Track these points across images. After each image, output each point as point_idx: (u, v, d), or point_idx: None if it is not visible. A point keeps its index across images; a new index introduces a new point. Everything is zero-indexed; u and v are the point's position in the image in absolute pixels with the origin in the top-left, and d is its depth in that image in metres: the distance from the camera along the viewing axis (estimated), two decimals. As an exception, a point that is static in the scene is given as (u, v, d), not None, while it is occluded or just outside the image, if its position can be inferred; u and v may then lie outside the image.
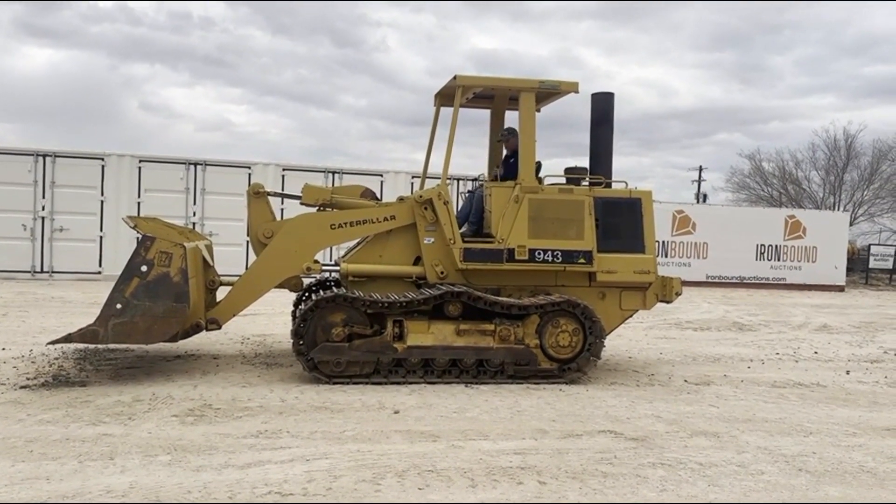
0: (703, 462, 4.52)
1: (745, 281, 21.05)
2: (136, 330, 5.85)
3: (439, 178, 6.76)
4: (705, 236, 20.91)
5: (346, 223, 6.82)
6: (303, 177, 14.71)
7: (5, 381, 5.87)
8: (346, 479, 3.98)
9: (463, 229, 7.13)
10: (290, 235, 6.80)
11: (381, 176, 16.91)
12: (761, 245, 21.35)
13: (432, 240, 6.80)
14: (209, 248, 7.37)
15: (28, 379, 5.98)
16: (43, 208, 15.15)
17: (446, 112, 7.36)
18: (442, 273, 6.78)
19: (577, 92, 7.12)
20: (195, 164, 15.92)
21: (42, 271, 15.16)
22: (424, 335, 6.43)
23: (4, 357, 6.90)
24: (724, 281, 20.87)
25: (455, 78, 6.83)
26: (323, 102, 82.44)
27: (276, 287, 6.95)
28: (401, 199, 7.33)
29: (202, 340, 8.01)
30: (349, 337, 6.32)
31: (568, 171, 7.23)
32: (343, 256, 7.28)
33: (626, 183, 7.22)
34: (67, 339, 5.84)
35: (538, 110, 7.74)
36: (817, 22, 63.46)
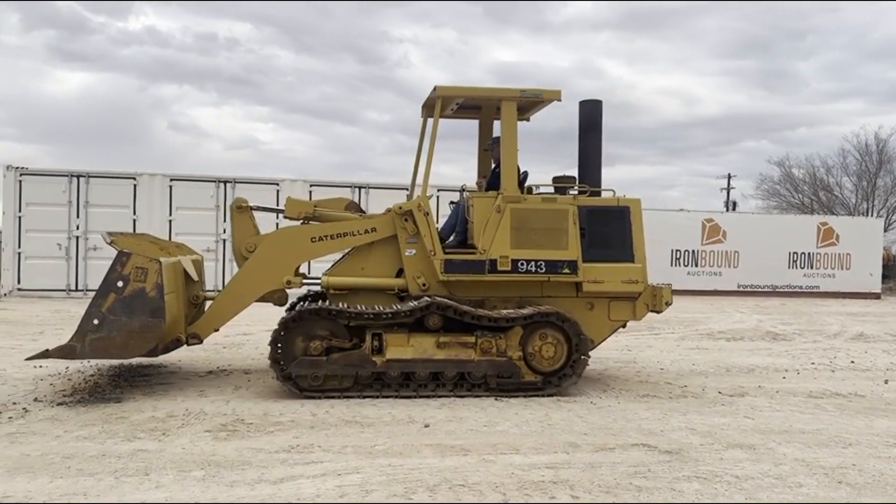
0: (739, 475, 4.44)
1: (777, 290, 20.72)
2: (113, 345, 5.89)
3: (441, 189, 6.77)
4: (736, 245, 20.66)
5: (326, 236, 6.80)
6: (330, 192, 14.87)
7: (42, 398, 5.98)
8: (377, 493, 3.97)
9: (451, 240, 7.11)
10: (271, 249, 6.80)
11: (408, 190, 16.97)
12: (794, 253, 21.03)
13: (414, 251, 6.75)
14: (197, 263, 7.41)
15: (64, 396, 6.09)
16: (77, 227, 15.47)
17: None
18: (424, 285, 6.72)
19: (559, 100, 7.07)
20: (225, 182, 16.15)
21: (77, 289, 15.46)
22: (404, 348, 6.36)
23: (41, 374, 7.03)
24: (756, 290, 20.58)
25: (435, 89, 6.81)
26: (347, 119, 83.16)
27: (261, 301, 6.94)
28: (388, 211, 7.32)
29: (233, 356, 8.09)
30: (327, 350, 6.29)
31: (556, 179, 7.16)
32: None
33: (613, 191, 7.15)
34: (45, 354, 5.87)
35: (527, 119, 7.74)
36: (841, 26, 62.58)
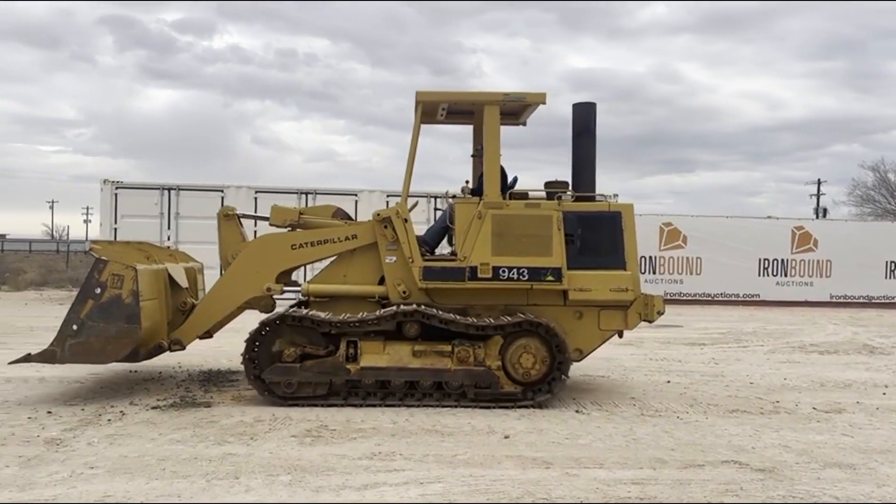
0: (838, 496, 4.21)
1: (873, 300, 19.64)
2: (92, 350, 6.03)
3: (433, 195, 6.65)
4: (828, 253, 19.71)
5: (306, 243, 6.76)
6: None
7: (138, 402, 6.25)
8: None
9: (452, 248, 6.95)
10: (252, 256, 6.81)
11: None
12: (891, 262, 19.89)
13: (394, 258, 6.64)
14: (191, 271, 7.53)
15: (158, 400, 6.35)
16: (168, 238, 16.17)
17: (427, 128, 7.44)
18: (404, 292, 6.60)
19: (544, 103, 6.88)
20: (306, 193, 16.58)
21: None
22: (379, 356, 6.27)
23: (136, 379, 7.36)
24: (850, 301, 19.55)
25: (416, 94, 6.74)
26: (421, 129, 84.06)
27: (248, 309, 7.01)
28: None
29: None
30: (302, 357, 6.25)
31: (548, 184, 6.96)
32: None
33: (605, 196, 6.91)
34: (27, 358, 6.08)
35: (524, 123, 7.55)
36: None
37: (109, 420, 5.62)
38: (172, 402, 6.22)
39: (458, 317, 6.34)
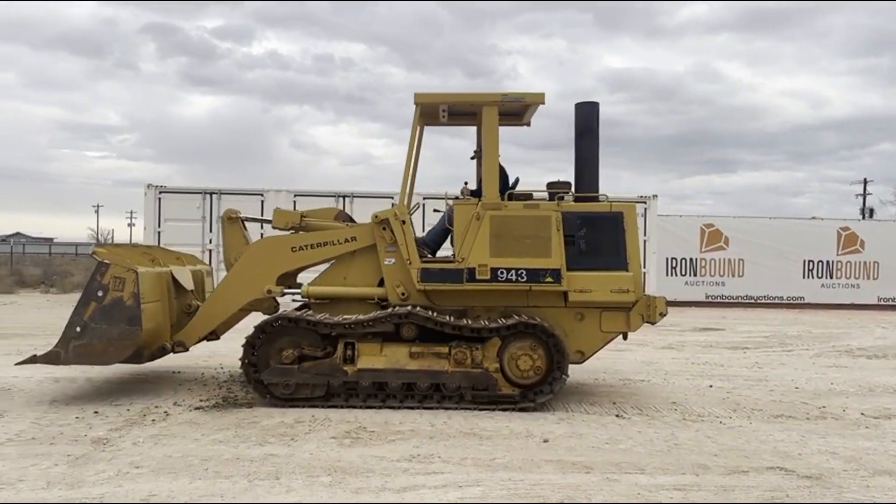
0: (890, 506, 4.09)
1: (925, 304, 19.04)
2: (94, 352, 6.12)
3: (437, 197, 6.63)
4: (876, 255, 19.20)
5: (306, 245, 6.77)
6: (441, 204, 15.02)
7: (181, 403, 6.36)
8: (499, 507, 3.94)
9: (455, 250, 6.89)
10: (253, 258, 6.85)
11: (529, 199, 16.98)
12: (943, 263, 19.28)
13: (393, 260, 6.62)
14: (197, 274, 7.59)
15: (201, 401, 6.46)
16: (210, 241, 16.45)
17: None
18: (403, 294, 6.58)
19: (543, 103, 6.79)
20: (344, 196, 16.70)
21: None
22: (376, 358, 6.26)
23: (180, 379, 7.50)
24: (899, 304, 19.00)
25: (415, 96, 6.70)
26: (456, 132, 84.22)
27: (251, 311, 7.05)
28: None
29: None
30: (300, 359, 6.26)
31: (550, 185, 6.86)
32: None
33: (606, 196, 6.79)
34: (33, 359, 6.20)
35: (528, 124, 7.47)
36: None
37: (154, 420, 5.74)
38: (215, 403, 6.32)
39: (449, 318, 6.32)
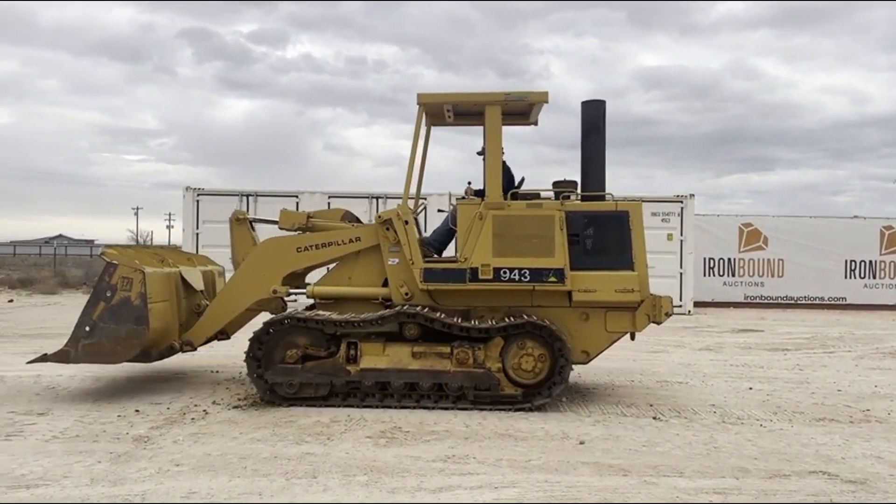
0: (939, 512, 3.97)
1: (973, 304, 18.48)
2: (103, 351, 6.21)
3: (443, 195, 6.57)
4: (922, 254, 18.66)
5: (311, 246, 6.81)
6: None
7: (220, 402, 6.46)
8: (535, 509, 3.92)
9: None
10: (259, 259, 6.89)
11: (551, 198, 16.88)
12: None
13: (397, 260, 6.62)
14: (209, 274, 7.66)
15: (239, 400, 6.54)
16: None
17: (436, 130, 7.54)
18: (407, 294, 6.57)
19: (546, 101, 6.72)
20: (377, 198, 16.80)
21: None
22: (379, 357, 6.25)
23: (218, 379, 7.61)
24: (947, 305, 18.46)
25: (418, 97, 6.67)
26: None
27: (259, 311, 7.10)
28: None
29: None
30: (304, 358, 6.27)
31: (556, 184, 6.78)
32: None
33: (612, 195, 6.69)
34: (44, 358, 6.30)
35: (535, 123, 7.40)
36: None
37: (193, 419, 5.83)
38: (252, 402, 6.40)
39: (457, 319, 6.32)
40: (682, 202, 16.55)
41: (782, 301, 18.60)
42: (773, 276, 18.76)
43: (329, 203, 16.67)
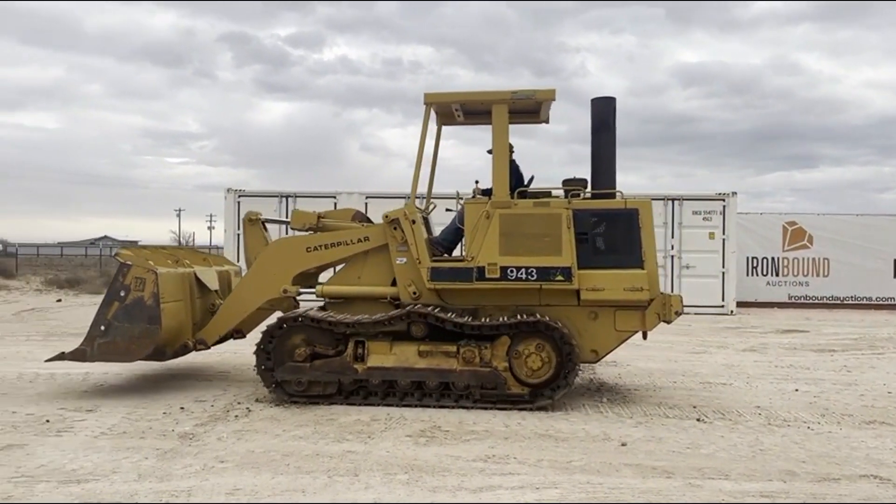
0: None
1: None
2: (118, 349, 6.34)
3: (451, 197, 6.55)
4: (975, 253, 18.04)
5: (321, 246, 6.84)
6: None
7: (263, 399, 6.54)
8: (578, 510, 3.89)
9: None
10: (269, 259, 6.95)
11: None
12: None
13: (404, 260, 6.61)
14: (224, 273, 7.75)
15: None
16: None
17: (447, 130, 7.54)
18: (415, 293, 6.56)
19: (553, 99, 6.65)
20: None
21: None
22: (386, 356, 6.25)
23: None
24: None
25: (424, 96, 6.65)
26: (524, 132, 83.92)
27: (270, 310, 7.16)
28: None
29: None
30: (312, 356, 6.29)
31: (565, 182, 6.69)
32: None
33: (622, 193, 6.57)
34: (61, 356, 6.44)
35: (546, 121, 7.32)
36: None
37: (237, 416, 5.91)
38: (294, 400, 6.46)
39: (468, 318, 6.30)
40: (724, 200, 16.26)
41: (828, 301, 18.15)
42: (818, 275, 18.31)
43: (366, 203, 16.79)
